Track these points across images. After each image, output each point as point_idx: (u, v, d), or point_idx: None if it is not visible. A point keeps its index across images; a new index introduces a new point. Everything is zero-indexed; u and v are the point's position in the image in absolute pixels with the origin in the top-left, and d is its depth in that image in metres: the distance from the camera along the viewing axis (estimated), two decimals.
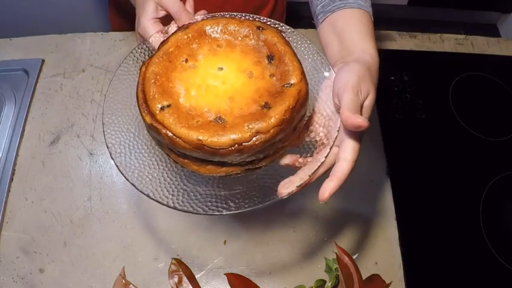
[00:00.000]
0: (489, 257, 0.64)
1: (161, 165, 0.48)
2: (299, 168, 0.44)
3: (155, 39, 0.49)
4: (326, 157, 0.43)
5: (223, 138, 0.39)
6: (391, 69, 0.82)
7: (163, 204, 0.43)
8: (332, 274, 0.57)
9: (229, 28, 0.47)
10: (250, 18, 0.50)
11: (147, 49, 0.51)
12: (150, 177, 0.45)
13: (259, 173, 0.46)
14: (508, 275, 0.63)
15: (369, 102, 0.44)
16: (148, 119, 0.42)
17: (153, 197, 0.43)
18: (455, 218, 0.68)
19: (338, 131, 0.44)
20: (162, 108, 0.41)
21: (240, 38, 0.47)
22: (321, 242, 0.64)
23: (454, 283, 0.63)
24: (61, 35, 0.83)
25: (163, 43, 0.46)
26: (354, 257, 0.61)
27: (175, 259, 0.53)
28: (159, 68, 0.44)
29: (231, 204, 0.44)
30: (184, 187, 0.46)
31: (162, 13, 0.50)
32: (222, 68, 0.45)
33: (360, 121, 0.40)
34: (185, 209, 0.43)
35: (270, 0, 0.88)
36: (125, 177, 0.44)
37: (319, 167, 0.42)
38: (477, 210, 0.68)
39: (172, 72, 0.44)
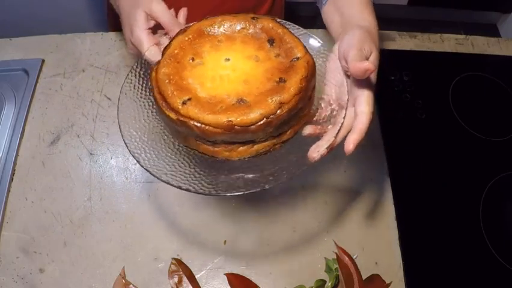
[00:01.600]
0: (489, 257, 0.64)
1: (192, 162, 0.50)
2: (321, 137, 0.46)
3: (151, 52, 0.50)
4: (344, 118, 0.46)
5: (252, 115, 0.41)
6: (391, 69, 0.82)
7: (206, 194, 0.45)
8: (332, 274, 0.57)
9: (225, 24, 0.50)
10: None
11: (146, 63, 0.52)
12: (184, 174, 0.47)
13: (286, 148, 0.48)
14: (508, 275, 0.63)
15: (372, 58, 0.47)
16: (172, 115, 0.43)
17: (193, 190, 0.45)
18: (455, 218, 0.68)
19: (348, 91, 0.47)
20: (184, 103, 0.43)
21: (237, 31, 0.50)
22: (321, 242, 0.64)
23: (454, 283, 0.63)
24: (61, 35, 0.83)
25: (165, 49, 0.48)
26: (354, 257, 0.61)
27: (175, 259, 0.53)
28: (169, 69, 0.46)
29: (270, 178, 0.46)
30: (221, 177, 0.48)
31: (152, 22, 0.51)
32: (228, 59, 0.47)
33: (367, 64, 0.43)
34: (228, 194, 0.45)
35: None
36: (159, 179, 0.45)
37: (340, 128, 0.45)
38: (477, 210, 0.68)
39: (183, 71, 0.47)
